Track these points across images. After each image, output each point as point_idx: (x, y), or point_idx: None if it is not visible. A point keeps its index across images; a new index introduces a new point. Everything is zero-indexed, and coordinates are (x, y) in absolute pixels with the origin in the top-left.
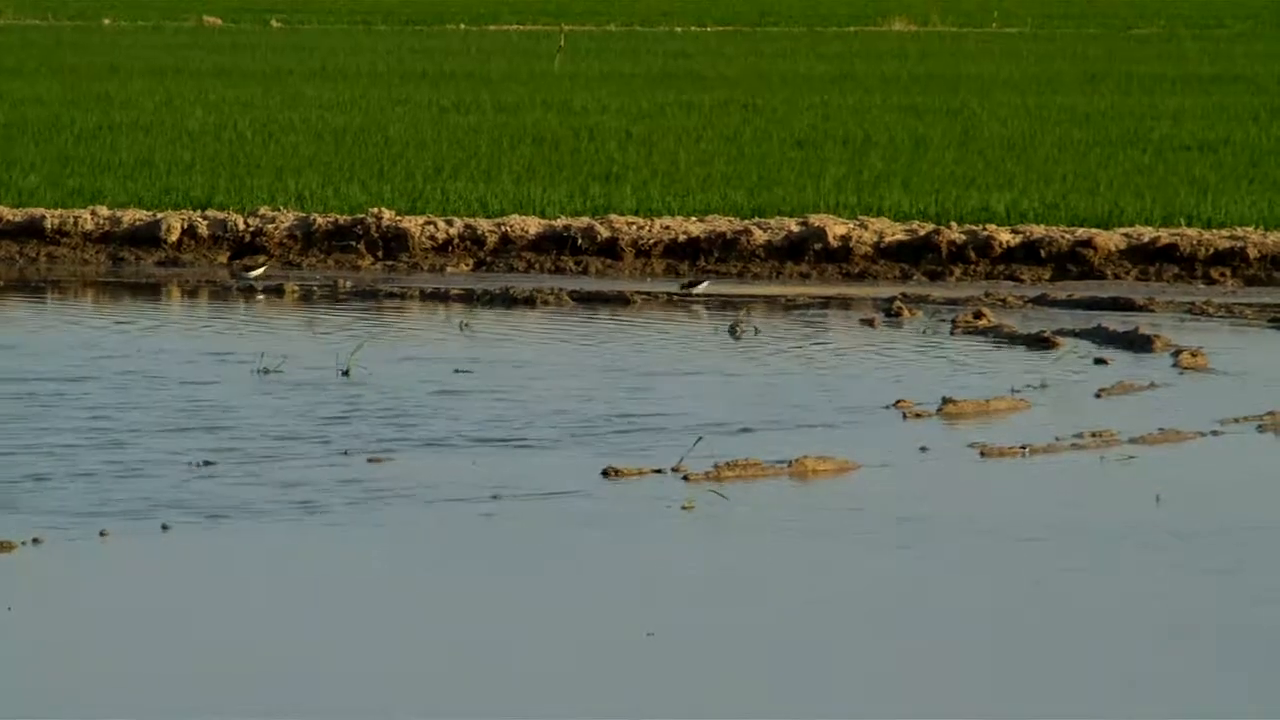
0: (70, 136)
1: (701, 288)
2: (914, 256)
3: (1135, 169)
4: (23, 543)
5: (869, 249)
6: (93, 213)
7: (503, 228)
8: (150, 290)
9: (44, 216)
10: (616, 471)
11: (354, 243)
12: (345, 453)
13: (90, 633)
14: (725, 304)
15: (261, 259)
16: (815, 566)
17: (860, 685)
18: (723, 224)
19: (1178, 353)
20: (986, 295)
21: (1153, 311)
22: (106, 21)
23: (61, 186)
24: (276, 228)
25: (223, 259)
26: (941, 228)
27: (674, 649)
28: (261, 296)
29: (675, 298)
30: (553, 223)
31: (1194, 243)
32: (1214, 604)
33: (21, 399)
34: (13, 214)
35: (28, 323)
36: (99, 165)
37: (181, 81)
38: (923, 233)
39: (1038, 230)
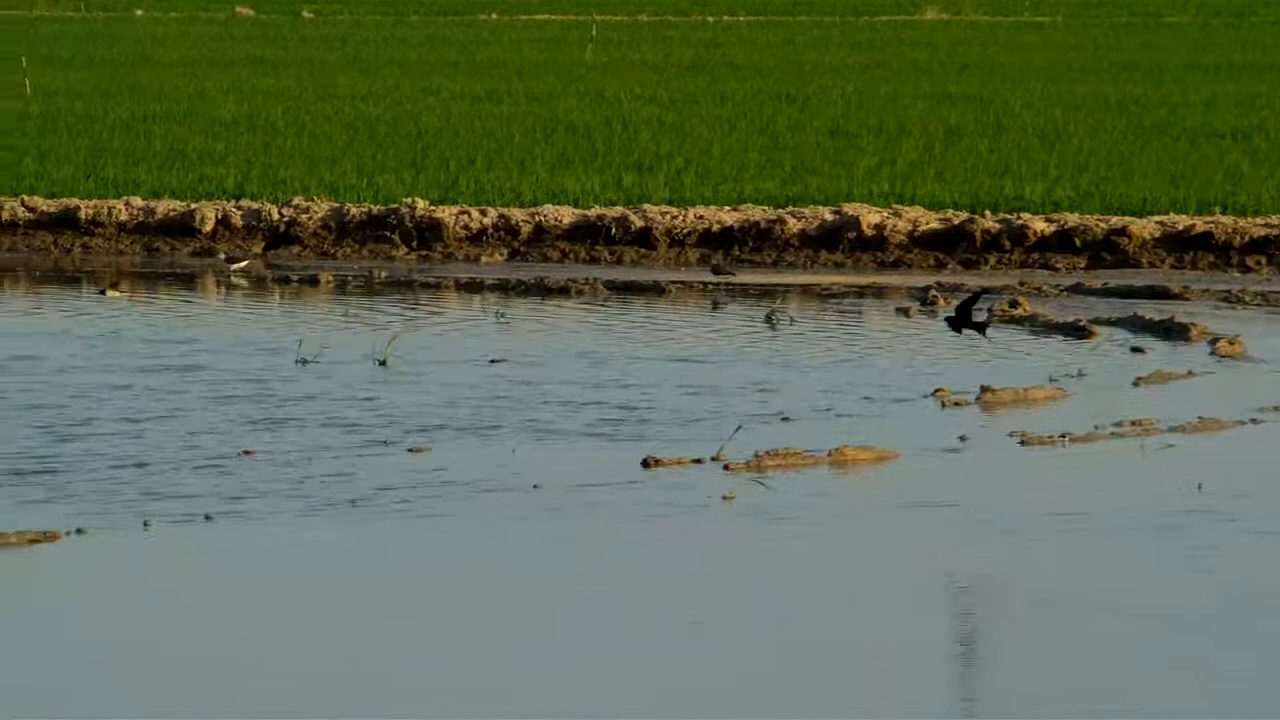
0: (104, 127)
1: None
2: (948, 245)
3: (1169, 157)
4: (67, 533)
5: (903, 238)
6: (127, 203)
7: (537, 217)
8: (184, 281)
9: (78, 207)
10: (656, 461)
11: (388, 233)
12: (384, 443)
13: (132, 623)
14: (762, 293)
15: (245, 256)
16: (857, 556)
17: (899, 674)
18: (757, 213)
19: (1215, 341)
20: (1021, 284)
21: (1188, 300)
22: (139, 13)
23: (96, 177)
24: (310, 218)
25: (257, 249)
26: (976, 216)
27: (718, 639)
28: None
29: (710, 286)
30: (586, 212)
31: (1229, 230)
32: (1265, 588)
33: (54, 389)
34: (48, 205)
35: (59, 313)
36: (133, 156)
37: (214, 72)
38: (957, 221)
39: (1072, 219)
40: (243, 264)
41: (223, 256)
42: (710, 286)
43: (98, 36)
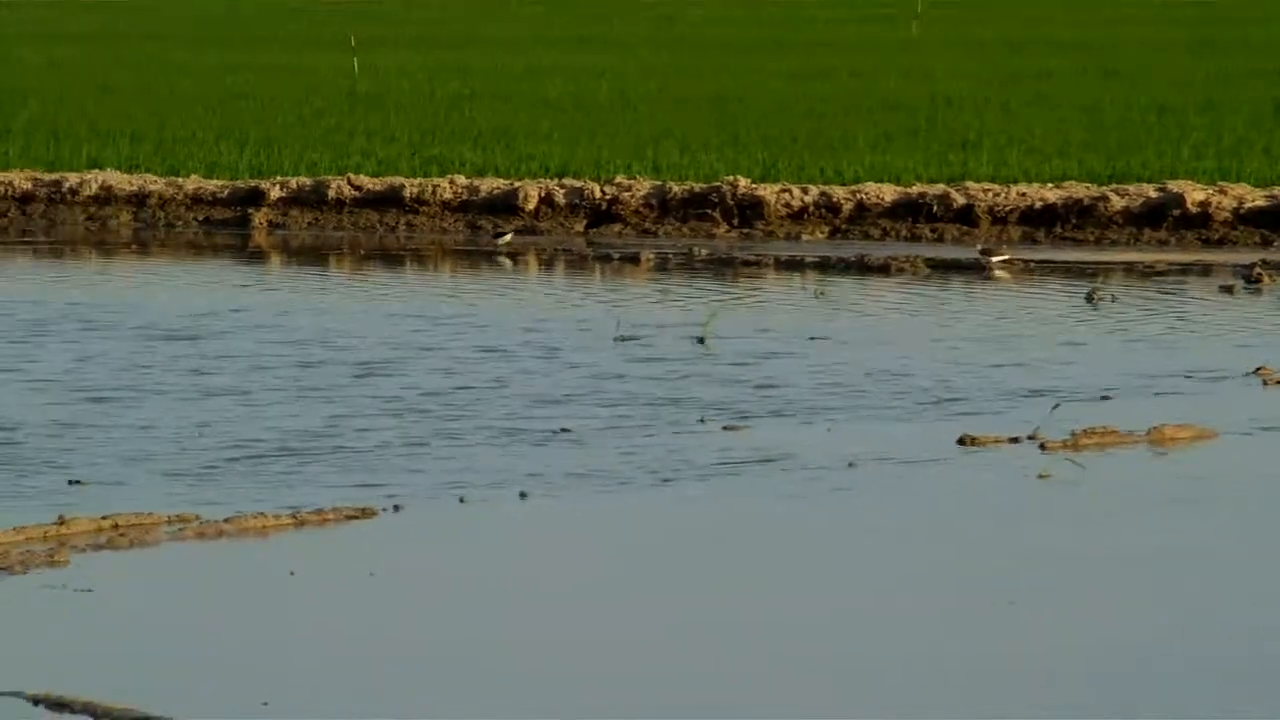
0: (430, 106)
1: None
2: (1275, 223)
3: None
4: (383, 509)
5: (1228, 215)
6: (451, 181)
7: (858, 195)
8: (507, 258)
9: (403, 185)
10: (973, 439)
11: (709, 211)
12: (701, 420)
13: (446, 598)
14: (1083, 271)
15: (511, 226)
16: (1176, 536)
17: (1225, 651)
18: (1079, 190)
19: None
20: None
21: None
22: None
23: (421, 155)
24: (632, 196)
25: (579, 228)
26: None
27: (1033, 617)
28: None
29: (1033, 264)
30: (908, 190)
31: None
32: None
33: (373, 367)
34: (373, 183)
35: (381, 289)
36: (458, 134)
37: (540, 51)
38: None
39: None
40: (508, 237)
41: (493, 229)
42: (1033, 264)
43: (420, 20)
